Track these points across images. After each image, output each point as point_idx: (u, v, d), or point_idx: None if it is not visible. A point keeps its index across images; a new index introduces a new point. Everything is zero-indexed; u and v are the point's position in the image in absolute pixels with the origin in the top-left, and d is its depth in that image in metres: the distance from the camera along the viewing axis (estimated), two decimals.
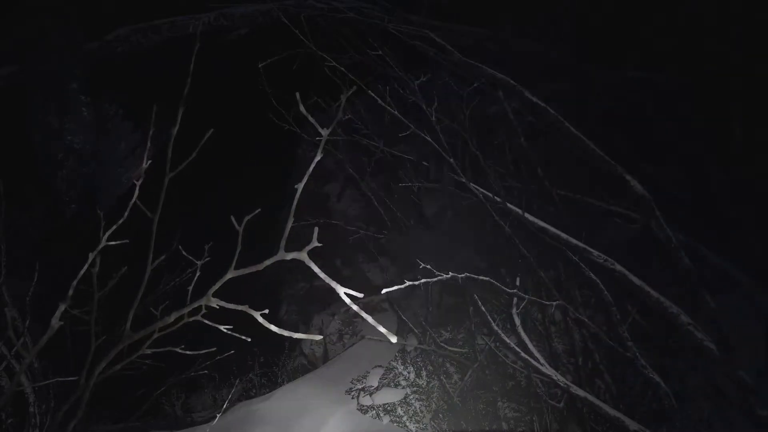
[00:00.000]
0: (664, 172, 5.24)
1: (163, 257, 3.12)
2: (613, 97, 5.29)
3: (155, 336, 2.95)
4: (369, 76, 4.41)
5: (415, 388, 5.32)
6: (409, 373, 5.47)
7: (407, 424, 5.04)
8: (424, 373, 5.39)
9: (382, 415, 5.16)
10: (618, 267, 3.41)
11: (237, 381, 5.70)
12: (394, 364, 5.56)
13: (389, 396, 5.26)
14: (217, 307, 2.49)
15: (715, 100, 4.54)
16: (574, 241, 3.51)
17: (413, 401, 5.21)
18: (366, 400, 5.34)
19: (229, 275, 2.49)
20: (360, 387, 5.54)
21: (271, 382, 6.32)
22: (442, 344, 4.92)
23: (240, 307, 2.45)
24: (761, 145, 4.30)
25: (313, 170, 2.47)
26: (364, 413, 5.22)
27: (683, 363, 4.53)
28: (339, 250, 6.45)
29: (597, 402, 3.43)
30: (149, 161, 2.98)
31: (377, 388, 5.38)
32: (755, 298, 3.57)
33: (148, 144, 3.02)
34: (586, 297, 5.15)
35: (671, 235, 3.10)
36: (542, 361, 3.58)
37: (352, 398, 5.44)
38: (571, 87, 4.91)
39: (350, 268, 6.52)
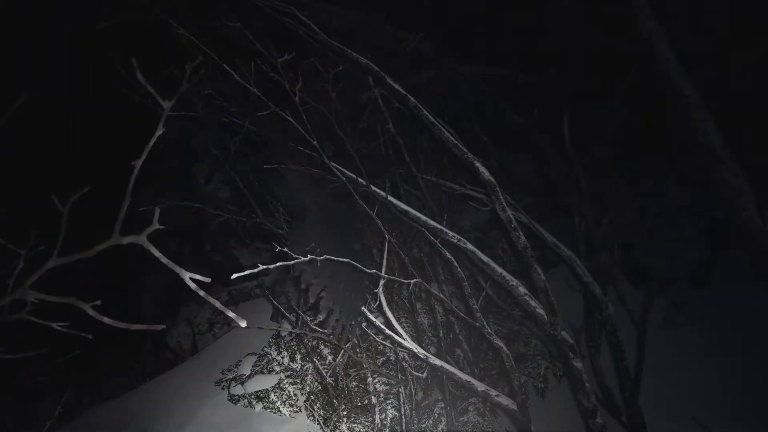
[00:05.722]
0: (514, 160, 5.87)
1: None
2: (476, 90, 5.74)
3: None
4: (237, 51, 4.17)
5: (288, 373, 5.29)
6: (283, 358, 5.42)
7: (281, 408, 5.00)
8: (298, 357, 5.38)
9: (254, 402, 5.05)
10: (469, 246, 3.74)
11: (85, 385, 5.10)
12: (268, 350, 5.46)
13: (262, 383, 5.16)
14: (36, 301, 2.17)
15: (555, 97, 5.17)
16: (432, 222, 3.75)
17: (287, 386, 5.18)
18: (237, 390, 5.17)
19: (51, 264, 2.18)
20: (231, 377, 5.35)
21: (130, 381, 5.79)
22: (315, 327, 4.95)
23: (65, 300, 2.17)
24: (587, 135, 5.03)
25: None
26: (235, 403, 5.06)
27: (526, 328, 5.19)
28: (208, 235, 6.08)
29: (450, 369, 3.75)
30: None
31: (249, 376, 5.24)
32: (576, 270, 4.21)
33: None
34: (448, 274, 5.59)
35: (511, 217, 3.49)
36: (405, 336, 3.80)
37: (222, 389, 5.23)
38: (438, 78, 5.20)
39: (221, 254, 6.20)
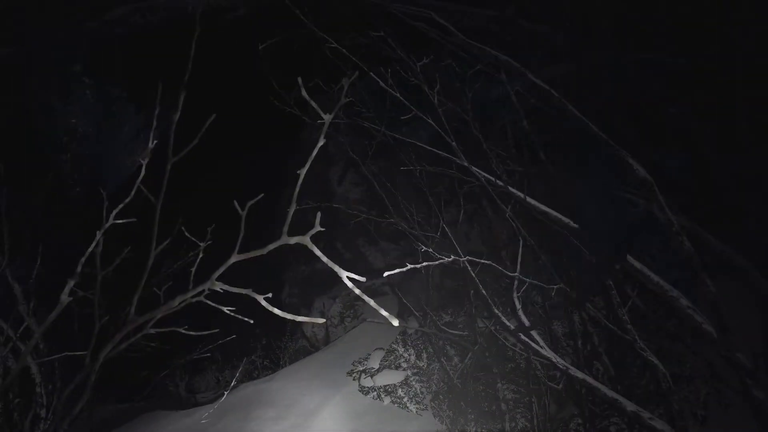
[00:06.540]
0: (666, 156, 5.21)
1: (167, 241, 3.12)
2: (616, 80, 5.22)
3: (159, 316, 2.98)
4: (371, 58, 4.34)
5: (415, 370, 5.40)
6: (409, 355, 5.55)
7: (408, 404, 5.12)
8: (424, 356, 5.46)
9: (383, 396, 5.25)
10: None
11: (242, 362, 5.78)
12: (395, 346, 5.64)
13: (390, 377, 5.34)
14: (221, 291, 2.50)
15: (718, 83, 4.47)
16: (575, 225, 3.51)
17: (414, 383, 5.29)
18: (367, 382, 5.43)
19: (233, 259, 2.49)
20: (361, 369, 5.63)
21: (273, 364, 6.41)
22: (443, 327, 4.97)
23: (244, 291, 2.46)
24: (765, 130, 4.25)
25: (318, 154, 2.46)
26: (365, 394, 5.31)
27: (681, 346, 4.59)
28: (340, 234, 6.47)
29: (595, 383, 3.47)
30: (155, 141, 2.96)
31: (378, 370, 5.46)
32: (755, 285, 3.58)
33: (154, 123, 3.00)
34: None
35: (673, 219, 3.10)
36: (542, 343, 3.62)
37: (353, 379, 5.53)
38: (575, 70, 4.83)
39: (351, 252, 6.55)
